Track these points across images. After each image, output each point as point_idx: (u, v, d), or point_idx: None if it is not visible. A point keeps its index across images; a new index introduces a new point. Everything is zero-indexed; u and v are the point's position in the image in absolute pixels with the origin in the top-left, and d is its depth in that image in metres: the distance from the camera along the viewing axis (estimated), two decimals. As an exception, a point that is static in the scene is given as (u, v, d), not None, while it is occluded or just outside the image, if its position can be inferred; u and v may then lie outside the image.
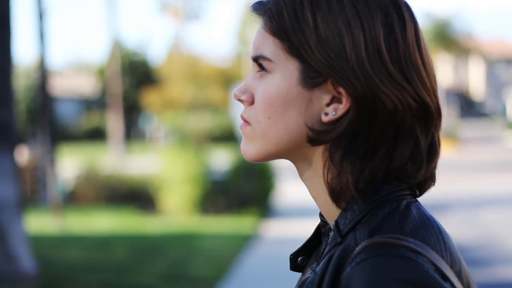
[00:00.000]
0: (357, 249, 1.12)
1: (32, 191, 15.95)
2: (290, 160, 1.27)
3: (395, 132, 1.18)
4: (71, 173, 16.92)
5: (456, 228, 12.05)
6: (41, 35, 15.41)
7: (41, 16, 15.46)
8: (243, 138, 1.26)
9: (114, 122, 28.00)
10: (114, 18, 27.84)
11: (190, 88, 45.47)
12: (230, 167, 15.05)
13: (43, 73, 15.39)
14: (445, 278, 1.10)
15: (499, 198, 15.56)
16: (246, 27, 54.76)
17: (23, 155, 15.73)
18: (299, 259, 1.31)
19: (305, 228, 12.35)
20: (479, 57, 61.25)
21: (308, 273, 1.27)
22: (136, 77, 45.45)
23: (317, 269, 1.19)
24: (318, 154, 1.22)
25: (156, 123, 46.85)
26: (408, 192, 1.20)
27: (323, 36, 1.17)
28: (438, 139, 1.23)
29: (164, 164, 14.57)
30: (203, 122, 41.30)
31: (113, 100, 27.88)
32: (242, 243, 11.16)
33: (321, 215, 1.28)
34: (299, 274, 1.33)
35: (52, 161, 15.02)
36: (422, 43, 1.20)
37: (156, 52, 68.70)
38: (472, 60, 66.85)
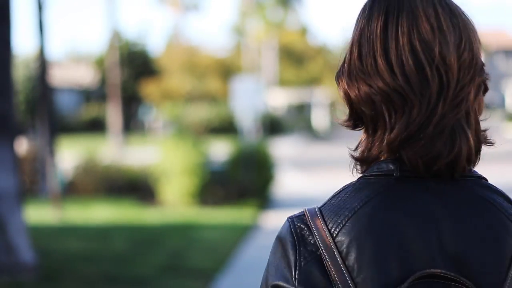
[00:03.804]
0: None
1: (31, 182, 15.95)
2: None
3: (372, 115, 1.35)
4: (70, 164, 16.93)
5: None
6: (40, 26, 15.39)
7: (40, 6, 15.44)
8: None
9: (113, 113, 28.00)
10: (113, 8, 27.81)
11: (189, 79, 45.43)
12: (228, 158, 15.06)
13: (42, 64, 15.37)
14: (302, 234, 1.41)
15: (497, 189, 15.55)
16: (244, 18, 54.65)
17: (22, 146, 15.74)
18: None
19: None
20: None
21: None
22: (135, 67, 45.41)
23: None
24: None
25: (155, 114, 46.84)
26: (386, 172, 1.33)
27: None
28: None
29: (163, 155, 14.57)
30: (202, 113, 41.29)
31: (112, 91, 27.87)
32: (240, 234, 11.19)
33: None
34: None
35: (51, 152, 15.03)
36: (390, 31, 1.32)
37: (155, 42, 68.73)
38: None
